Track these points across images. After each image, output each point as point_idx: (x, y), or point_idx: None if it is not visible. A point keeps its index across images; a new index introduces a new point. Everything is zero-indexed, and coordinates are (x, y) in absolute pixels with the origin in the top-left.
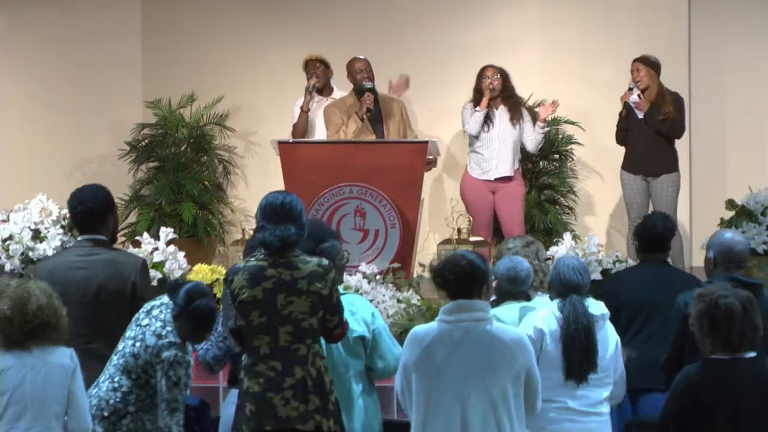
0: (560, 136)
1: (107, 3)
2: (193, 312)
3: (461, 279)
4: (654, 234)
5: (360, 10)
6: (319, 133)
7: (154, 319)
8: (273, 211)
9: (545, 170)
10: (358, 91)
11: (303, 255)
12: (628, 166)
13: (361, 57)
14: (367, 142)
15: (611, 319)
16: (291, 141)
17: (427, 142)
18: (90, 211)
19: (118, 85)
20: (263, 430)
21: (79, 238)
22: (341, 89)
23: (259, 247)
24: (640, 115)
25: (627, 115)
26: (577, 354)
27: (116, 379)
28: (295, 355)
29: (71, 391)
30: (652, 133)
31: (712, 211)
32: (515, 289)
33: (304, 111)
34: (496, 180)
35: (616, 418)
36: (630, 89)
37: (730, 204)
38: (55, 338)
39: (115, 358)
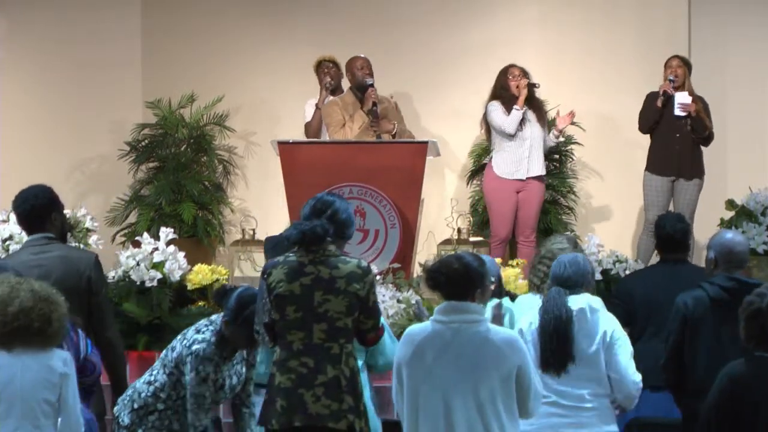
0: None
1: (107, 3)
2: (249, 318)
3: (454, 282)
4: (664, 235)
5: (360, 11)
6: None
7: (203, 320)
8: (310, 211)
9: (545, 170)
10: (360, 87)
11: (343, 255)
12: (657, 167)
13: (361, 55)
14: (367, 143)
15: (626, 320)
16: (291, 141)
17: (427, 142)
18: (32, 209)
19: (118, 85)
20: (293, 426)
21: (28, 238)
22: None
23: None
24: (678, 112)
25: (663, 107)
26: (548, 344)
27: (154, 372)
28: (327, 354)
29: (62, 395)
30: (689, 135)
31: (712, 211)
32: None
33: (320, 108)
34: (528, 179)
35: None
36: (670, 81)
37: (730, 204)
38: (38, 342)
39: (162, 353)
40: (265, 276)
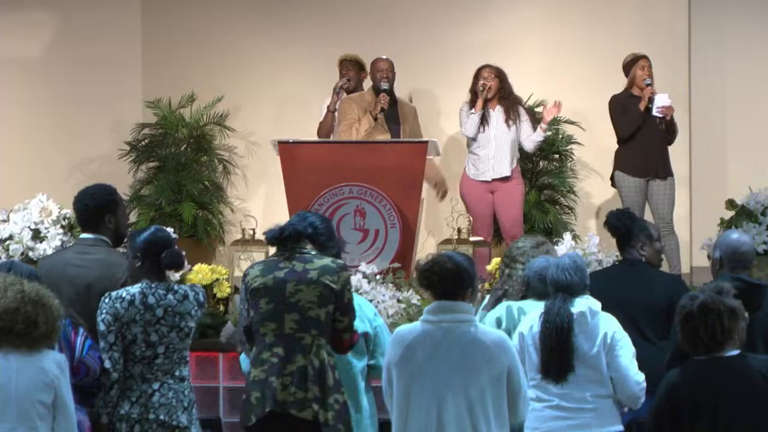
0: (560, 136)
1: (107, 2)
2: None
3: (446, 281)
4: (609, 231)
5: (360, 10)
6: None
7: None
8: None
9: (545, 170)
10: (377, 90)
11: (320, 254)
12: (632, 168)
13: (384, 57)
14: (367, 143)
15: None
16: (291, 141)
17: (427, 142)
18: (86, 209)
19: (118, 84)
20: (266, 414)
21: (80, 236)
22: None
23: None
24: (656, 114)
25: (645, 111)
26: (549, 353)
27: (176, 373)
28: (299, 344)
29: (57, 397)
30: (661, 135)
31: (712, 211)
32: (544, 289)
33: (330, 111)
34: (494, 180)
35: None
36: (648, 85)
37: (730, 204)
38: (23, 344)
39: (159, 362)
40: (244, 277)
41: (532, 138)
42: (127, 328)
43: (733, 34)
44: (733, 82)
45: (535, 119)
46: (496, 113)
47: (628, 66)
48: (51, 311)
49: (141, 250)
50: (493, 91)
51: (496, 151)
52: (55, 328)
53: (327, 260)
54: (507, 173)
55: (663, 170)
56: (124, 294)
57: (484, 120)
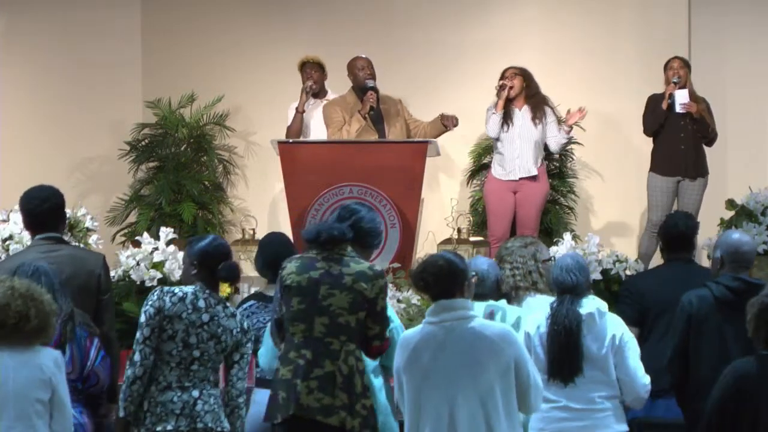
0: None
1: (107, 2)
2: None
3: (441, 279)
4: (675, 233)
5: (360, 10)
6: (314, 135)
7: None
8: (336, 218)
9: (545, 170)
10: (361, 89)
11: (358, 257)
12: (662, 168)
13: (363, 56)
14: (367, 142)
15: (638, 320)
16: (291, 141)
17: (427, 142)
18: (56, 208)
19: (118, 84)
20: (290, 416)
21: (36, 237)
22: (335, 92)
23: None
24: (680, 110)
25: (668, 109)
26: (557, 355)
27: (211, 378)
28: (327, 349)
29: (55, 393)
30: (691, 134)
31: (712, 211)
32: (476, 290)
33: (300, 112)
34: (521, 179)
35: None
36: (674, 82)
37: (730, 204)
38: (16, 339)
39: (194, 368)
40: (281, 270)
41: (556, 139)
42: (170, 322)
43: (733, 34)
44: (733, 82)
45: (560, 119)
46: (522, 112)
47: (664, 69)
48: (43, 306)
49: (197, 258)
50: (517, 91)
51: (521, 150)
52: (48, 323)
53: (364, 266)
54: (534, 172)
55: (693, 170)
56: (176, 290)
57: (508, 119)
